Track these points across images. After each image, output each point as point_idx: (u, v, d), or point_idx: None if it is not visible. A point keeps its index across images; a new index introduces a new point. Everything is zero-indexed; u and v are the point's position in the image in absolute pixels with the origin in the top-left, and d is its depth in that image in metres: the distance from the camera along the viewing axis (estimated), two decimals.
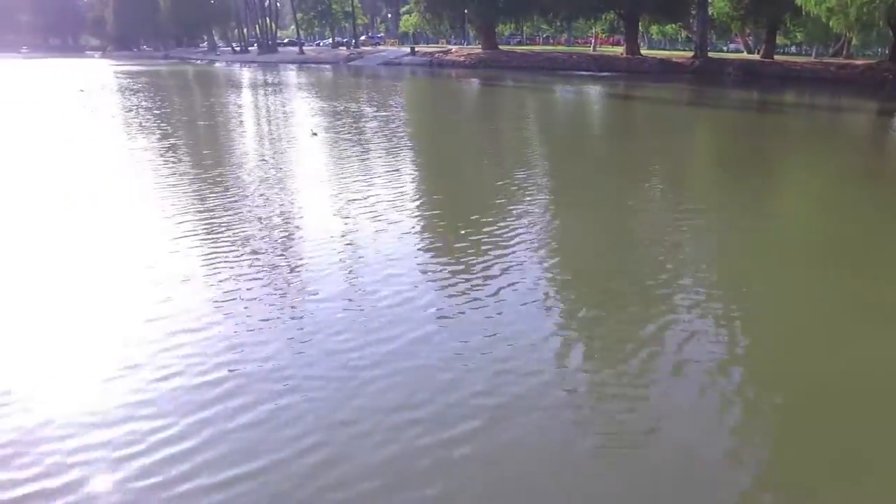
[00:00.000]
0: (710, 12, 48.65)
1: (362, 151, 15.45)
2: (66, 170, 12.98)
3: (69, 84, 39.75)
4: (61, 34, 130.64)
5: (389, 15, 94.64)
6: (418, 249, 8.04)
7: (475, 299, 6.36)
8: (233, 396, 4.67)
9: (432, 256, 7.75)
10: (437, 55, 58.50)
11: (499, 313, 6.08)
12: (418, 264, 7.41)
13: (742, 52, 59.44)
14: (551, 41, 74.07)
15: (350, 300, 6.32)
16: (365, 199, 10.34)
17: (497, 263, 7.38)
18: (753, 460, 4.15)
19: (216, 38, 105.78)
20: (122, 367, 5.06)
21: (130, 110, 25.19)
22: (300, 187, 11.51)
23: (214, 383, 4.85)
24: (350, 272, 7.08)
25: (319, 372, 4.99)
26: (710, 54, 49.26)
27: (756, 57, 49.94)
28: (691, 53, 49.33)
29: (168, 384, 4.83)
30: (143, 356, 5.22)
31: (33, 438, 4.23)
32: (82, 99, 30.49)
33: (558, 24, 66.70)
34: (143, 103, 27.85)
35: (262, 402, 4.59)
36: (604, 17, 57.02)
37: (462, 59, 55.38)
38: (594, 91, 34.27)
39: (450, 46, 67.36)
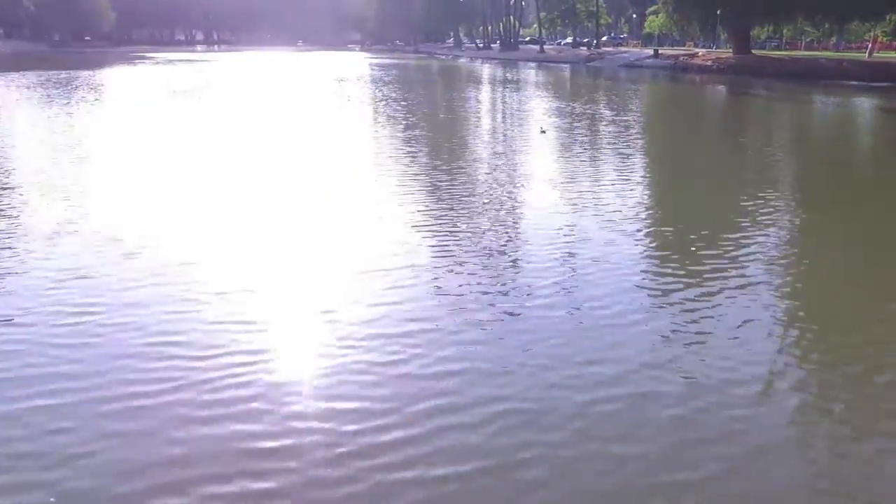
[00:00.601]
0: None
1: (596, 155, 15.07)
2: (325, 160, 14.20)
3: (333, 73, 44.21)
4: (329, 31, 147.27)
5: (634, 15, 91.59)
6: (649, 264, 7.54)
7: (710, 329, 5.76)
8: (450, 393, 4.68)
9: (663, 273, 7.20)
10: (681, 58, 55.30)
11: (740, 345, 5.44)
12: (648, 280, 6.93)
13: None
14: (816, 46, 66.17)
15: (574, 311, 6.07)
16: (595, 205, 10.00)
17: (736, 289, 6.63)
18: None
19: (461, 34, 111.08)
20: (350, 351, 5.32)
21: (381, 101, 27.28)
22: (531, 186, 11.47)
23: (434, 376, 4.90)
24: (575, 281, 6.83)
25: (538, 384, 4.82)
26: None
27: None
28: None
29: (391, 373, 4.97)
30: (370, 342, 5.45)
31: (269, 409, 4.60)
32: (342, 87, 33.77)
33: (827, 26, 59.35)
34: (392, 94, 30.01)
35: (479, 405, 4.54)
36: (888, 17, 49.56)
37: (709, 63, 51.71)
38: (864, 105, 29.84)
39: (696, 49, 63.41)
